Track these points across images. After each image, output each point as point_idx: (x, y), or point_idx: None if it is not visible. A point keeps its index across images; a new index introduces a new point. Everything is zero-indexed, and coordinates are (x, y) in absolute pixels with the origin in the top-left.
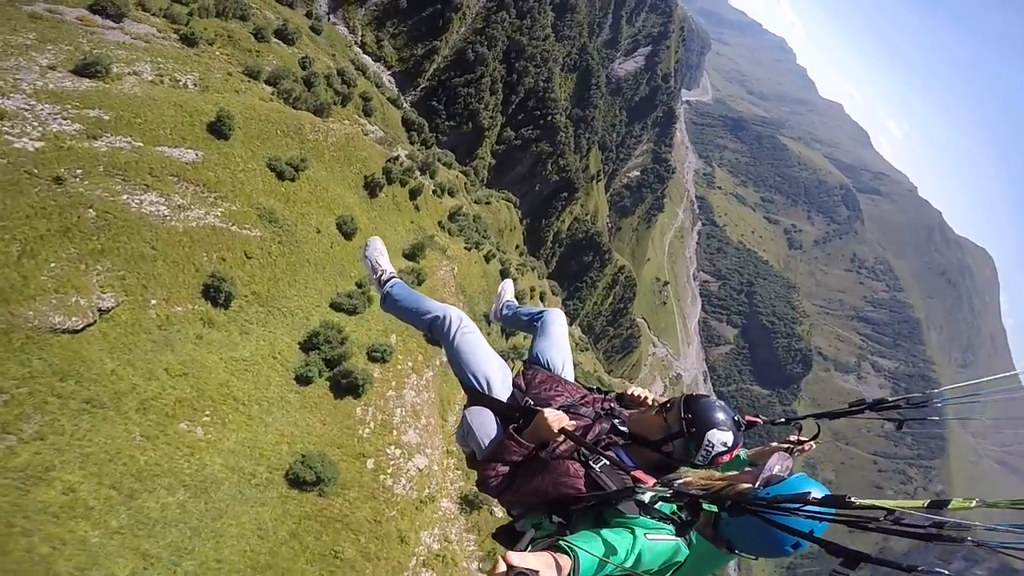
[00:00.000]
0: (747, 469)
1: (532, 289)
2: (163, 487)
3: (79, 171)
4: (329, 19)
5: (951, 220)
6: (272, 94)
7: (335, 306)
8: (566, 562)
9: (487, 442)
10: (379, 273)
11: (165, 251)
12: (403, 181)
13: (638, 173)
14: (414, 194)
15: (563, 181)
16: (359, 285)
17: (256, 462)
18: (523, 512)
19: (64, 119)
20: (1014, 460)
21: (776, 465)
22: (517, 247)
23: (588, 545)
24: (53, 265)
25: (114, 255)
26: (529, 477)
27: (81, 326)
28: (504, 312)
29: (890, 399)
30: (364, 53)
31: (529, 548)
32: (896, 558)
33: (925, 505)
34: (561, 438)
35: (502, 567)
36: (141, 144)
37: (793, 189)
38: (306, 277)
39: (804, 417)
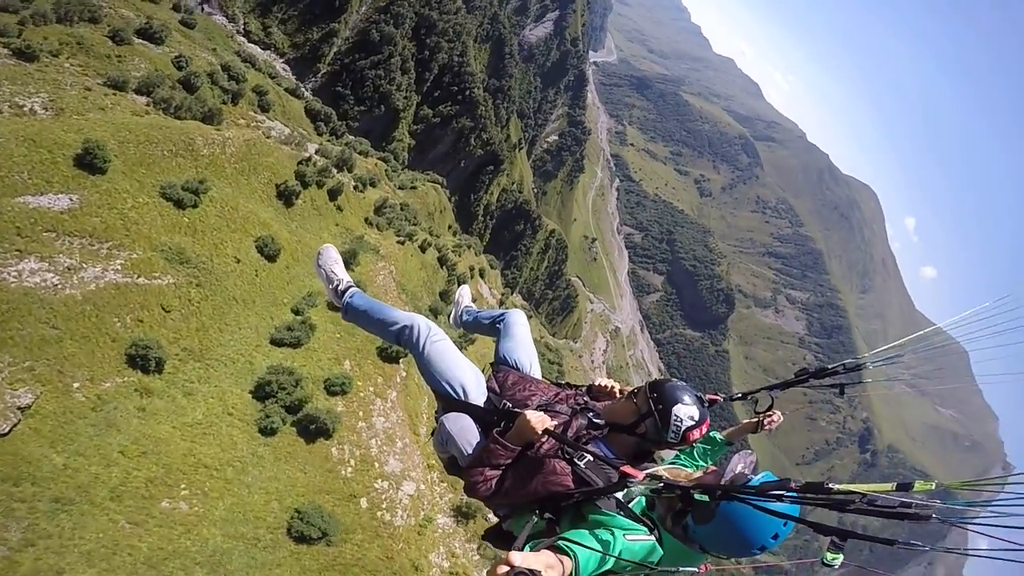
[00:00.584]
0: (711, 469)
1: (471, 268)
2: (179, 569)
3: None
4: (203, 10)
5: (837, 162)
6: (147, 105)
7: (276, 342)
8: (567, 562)
9: (470, 448)
10: (335, 283)
11: (69, 327)
12: (320, 182)
13: (556, 137)
14: (334, 194)
15: (488, 155)
16: (296, 312)
17: (255, 526)
18: (510, 512)
19: None
20: (922, 383)
21: (739, 464)
22: (450, 227)
23: (585, 545)
24: None
25: (10, 346)
26: (518, 479)
27: (7, 429)
28: (464, 318)
29: (829, 366)
30: (250, 43)
31: (528, 548)
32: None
33: (893, 488)
34: (545, 438)
35: (504, 567)
36: None
37: (698, 142)
38: (237, 316)
39: (758, 391)
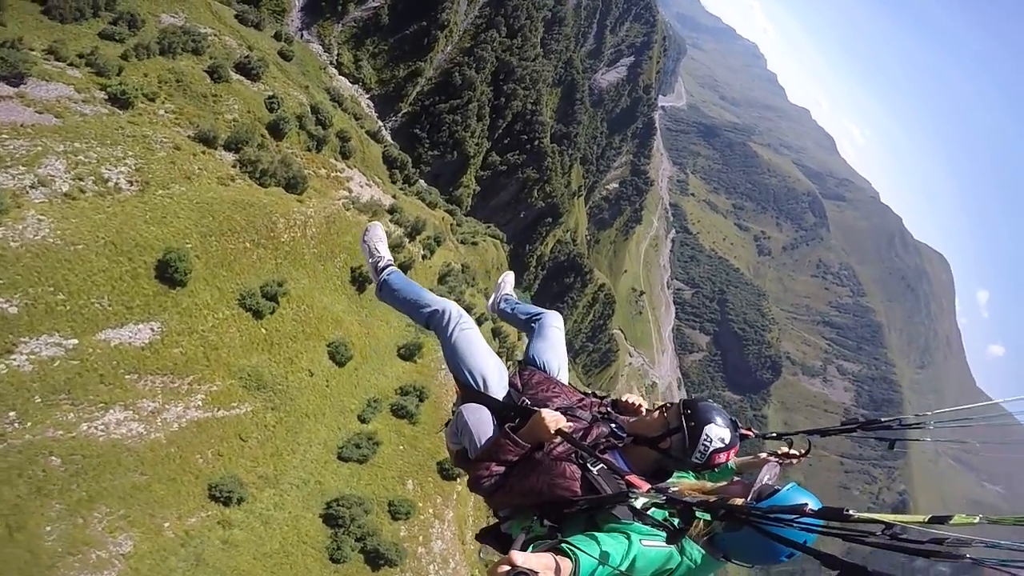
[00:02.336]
0: (736, 479)
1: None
2: None
3: (12, 413)
4: (302, 36)
5: (910, 226)
6: (234, 166)
7: (344, 458)
8: (567, 564)
9: (482, 440)
10: (376, 259)
11: (156, 471)
12: (396, 255)
13: (617, 185)
14: (404, 269)
15: (548, 207)
16: (362, 419)
17: None
18: (511, 514)
19: None
20: (969, 458)
21: (767, 475)
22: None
23: (588, 548)
24: (49, 529)
25: (107, 497)
26: (523, 477)
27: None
28: (502, 306)
29: (883, 419)
30: (340, 74)
31: (530, 549)
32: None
33: (927, 520)
34: (558, 439)
35: (505, 567)
36: (75, 340)
37: (763, 196)
38: (308, 433)
39: (795, 433)
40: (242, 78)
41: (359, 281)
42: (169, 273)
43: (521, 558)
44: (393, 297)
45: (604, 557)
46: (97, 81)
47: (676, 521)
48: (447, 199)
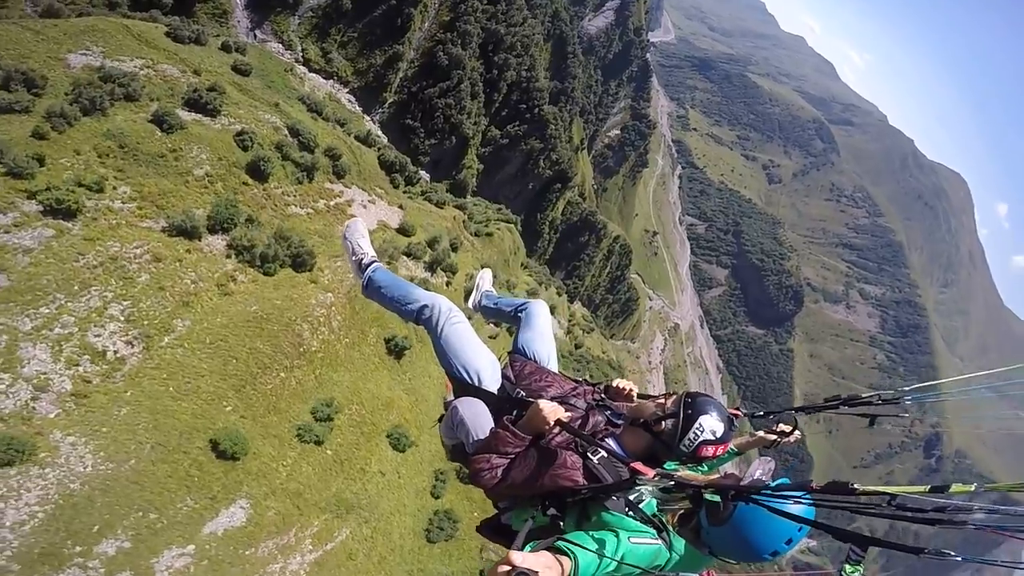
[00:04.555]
0: (727, 472)
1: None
2: None
3: None
4: (255, 37)
5: (923, 147)
6: (230, 256)
7: (432, 540)
8: (567, 563)
9: (481, 434)
10: (360, 256)
11: None
12: None
13: (618, 132)
14: None
15: (556, 174)
16: (435, 495)
17: None
18: (511, 505)
19: None
20: (1003, 385)
21: (758, 470)
22: (523, 266)
23: (584, 546)
24: None
25: None
26: (525, 469)
27: None
28: (484, 303)
29: (863, 395)
30: (310, 71)
31: (528, 548)
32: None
33: (927, 490)
34: (557, 429)
35: (504, 567)
36: (192, 545)
37: (767, 125)
38: (400, 529)
39: (783, 411)
40: (198, 117)
41: (395, 350)
42: (228, 452)
43: (520, 558)
44: (379, 295)
45: (596, 554)
46: (18, 188)
47: (663, 517)
48: (451, 184)
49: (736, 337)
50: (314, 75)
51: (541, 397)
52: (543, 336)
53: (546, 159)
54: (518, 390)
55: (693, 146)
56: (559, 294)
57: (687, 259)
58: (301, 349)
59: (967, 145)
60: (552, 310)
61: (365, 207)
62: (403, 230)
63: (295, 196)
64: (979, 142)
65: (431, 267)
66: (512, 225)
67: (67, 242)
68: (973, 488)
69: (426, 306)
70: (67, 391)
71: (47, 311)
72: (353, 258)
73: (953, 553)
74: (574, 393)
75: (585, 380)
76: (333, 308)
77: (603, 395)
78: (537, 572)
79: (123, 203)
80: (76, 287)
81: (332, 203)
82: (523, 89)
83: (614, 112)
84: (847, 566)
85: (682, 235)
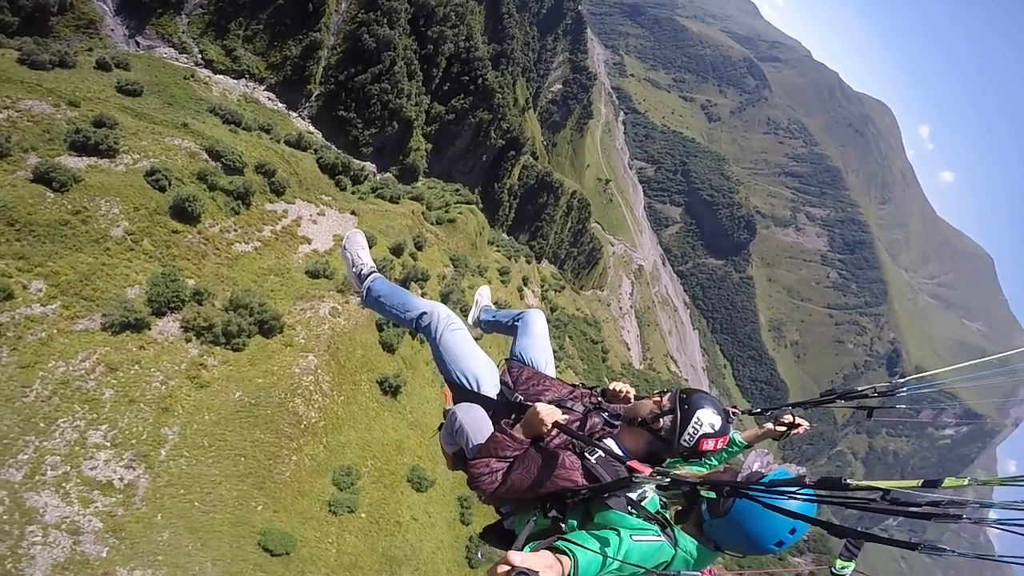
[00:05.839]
0: (727, 466)
1: (524, 280)
2: None
3: None
4: (137, 45)
5: (847, 78)
6: (187, 339)
7: (474, 566)
8: (566, 562)
9: (481, 440)
10: (359, 268)
11: None
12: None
13: (560, 86)
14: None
15: (509, 142)
16: (464, 522)
17: None
18: (513, 509)
19: None
20: (945, 292)
21: (756, 462)
22: (490, 242)
23: (585, 545)
24: None
25: None
26: (524, 472)
27: None
28: (483, 317)
29: (859, 388)
30: (215, 73)
31: (527, 548)
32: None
33: (920, 484)
34: (555, 432)
35: (504, 567)
36: None
37: (700, 67)
38: (445, 564)
39: (779, 407)
40: (93, 161)
41: (390, 390)
42: (277, 551)
43: (519, 558)
44: (379, 304)
45: (598, 554)
46: None
47: (666, 514)
48: (400, 170)
49: (698, 270)
50: (221, 77)
51: (539, 401)
52: (540, 343)
53: (496, 129)
54: (516, 395)
55: (632, 92)
56: (528, 262)
57: (641, 201)
58: (303, 426)
59: (887, 74)
60: (525, 281)
61: (315, 222)
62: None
63: (236, 230)
64: (897, 71)
65: (404, 284)
66: (474, 206)
67: (3, 376)
68: (967, 482)
69: (425, 313)
70: (100, 528)
71: (26, 457)
72: (352, 269)
73: (948, 548)
74: (571, 396)
75: (582, 384)
76: (319, 371)
77: (600, 398)
78: (537, 572)
79: (43, 305)
80: (42, 424)
81: (279, 227)
82: (463, 60)
83: (554, 67)
84: (838, 561)
85: (633, 179)
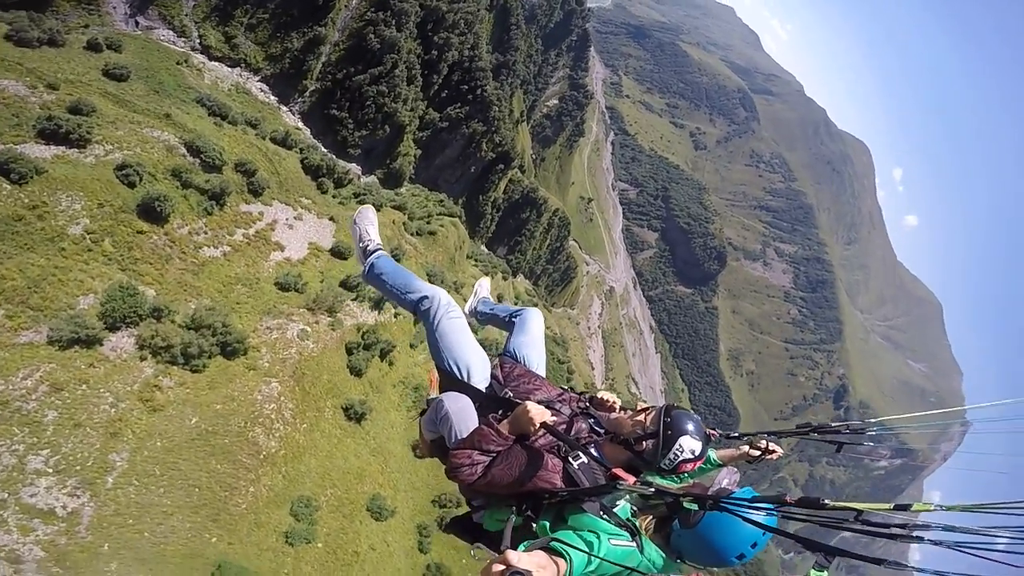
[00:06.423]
0: (696, 482)
1: (498, 298)
2: None
3: None
4: (136, 26)
5: (834, 116)
6: (142, 357)
7: None
8: (562, 564)
9: (465, 431)
10: (366, 242)
11: None
12: (375, 352)
13: (556, 101)
14: (384, 353)
15: (499, 155)
16: (423, 550)
17: None
18: (486, 503)
19: None
20: (895, 334)
21: (725, 479)
22: (469, 256)
23: (576, 547)
24: None
25: None
26: (505, 468)
27: None
28: (480, 308)
29: (832, 424)
30: (211, 60)
31: (521, 547)
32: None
33: (891, 507)
34: (541, 432)
35: (499, 566)
36: None
37: (695, 94)
38: None
39: (756, 434)
40: (61, 151)
41: (355, 416)
42: None
43: (516, 557)
44: (380, 281)
45: (586, 554)
46: None
47: (636, 522)
48: (385, 173)
49: (667, 297)
50: (216, 64)
51: (529, 399)
52: (535, 342)
53: (488, 141)
54: (506, 390)
55: (626, 113)
56: (504, 279)
57: (620, 223)
58: (262, 457)
59: (872, 114)
60: (499, 298)
61: (291, 226)
62: (338, 252)
63: (206, 233)
64: (881, 111)
65: (378, 304)
66: (456, 219)
67: None
68: (933, 507)
69: (426, 297)
70: (43, 557)
71: None
72: (360, 244)
73: (911, 565)
74: (560, 399)
75: (571, 388)
76: (282, 398)
77: (588, 404)
78: (531, 572)
79: None
80: None
81: (252, 231)
82: (465, 69)
83: (553, 82)
84: (813, 571)
85: (615, 200)
